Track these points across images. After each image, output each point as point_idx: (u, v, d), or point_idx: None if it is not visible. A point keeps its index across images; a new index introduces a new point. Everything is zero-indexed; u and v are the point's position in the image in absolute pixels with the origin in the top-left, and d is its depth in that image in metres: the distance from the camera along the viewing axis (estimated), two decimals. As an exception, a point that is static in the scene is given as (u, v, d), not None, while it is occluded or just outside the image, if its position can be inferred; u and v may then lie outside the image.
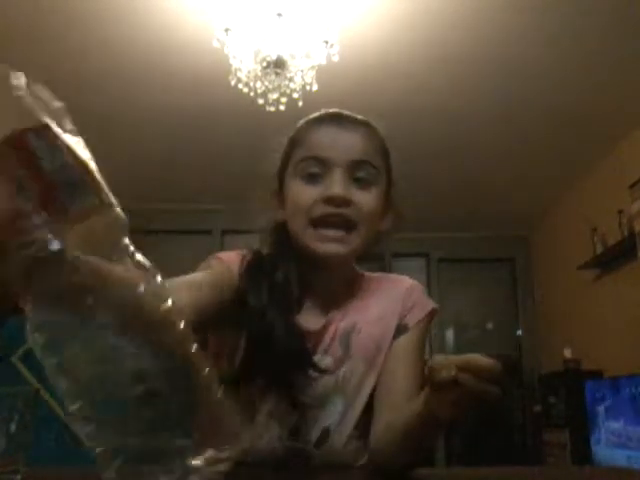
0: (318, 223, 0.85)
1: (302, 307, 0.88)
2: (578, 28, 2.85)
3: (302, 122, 0.94)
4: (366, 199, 0.87)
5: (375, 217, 0.89)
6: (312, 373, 0.84)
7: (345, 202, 0.84)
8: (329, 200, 0.84)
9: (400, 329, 0.92)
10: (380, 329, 0.91)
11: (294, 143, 0.92)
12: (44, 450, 1.04)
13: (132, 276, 0.42)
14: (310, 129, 0.91)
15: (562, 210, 4.99)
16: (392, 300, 0.95)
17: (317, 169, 0.86)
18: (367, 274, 1.01)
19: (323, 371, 0.86)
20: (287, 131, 0.95)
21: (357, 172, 0.87)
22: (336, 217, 0.84)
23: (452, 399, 0.61)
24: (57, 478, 0.82)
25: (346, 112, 0.94)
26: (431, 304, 0.96)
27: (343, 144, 0.88)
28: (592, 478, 0.89)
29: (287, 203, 0.89)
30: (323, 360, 0.87)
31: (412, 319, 0.93)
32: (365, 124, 0.93)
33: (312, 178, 0.87)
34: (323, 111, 0.93)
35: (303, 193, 0.86)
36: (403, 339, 0.91)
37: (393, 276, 1.02)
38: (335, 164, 0.86)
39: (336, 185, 0.84)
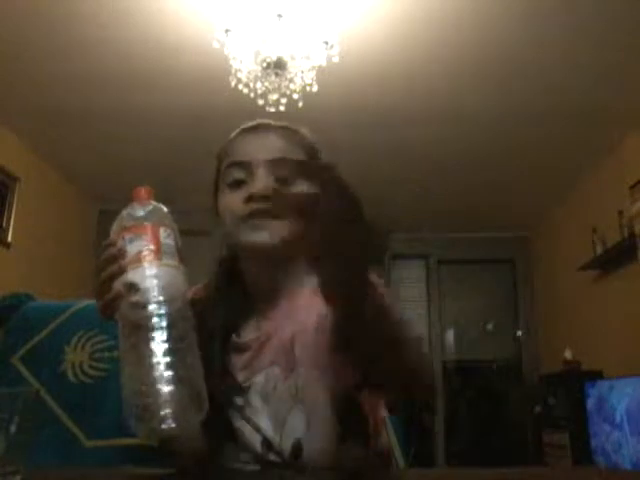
0: (246, 219, 0.87)
1: (239, 328, 0.90)
2: (578, 28, 2.85)
3: (226, 140, 0.97)
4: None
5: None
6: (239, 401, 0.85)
7: (265, 198, 0.85)
8: (251, 198, 0.86)
9: None
10: (324, 338, 0.85)
11: (220, 159, 0.95)
12: (44, 451, 1.04)
13: None
14: (232, 141, 0.94)
15: (562, 211, 4.99)
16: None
17: (240, 174, 0.89)
18: None
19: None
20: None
21: (279, 170, 0.88)
22: (260, 213, 0.86)
23: None
24: (57, 479, 0.82)
25: (266, 121, 0.96)
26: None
27: (261, 145, 0.90)
28: (592, 479, 0.89)
29: (221, 215, 0.92)
30: (272, 372, 0.85)
31: None
32: (283, 127, 0.95)
33: (237, 184, 0.89)
34: (244, 125, 0.96)
35: (230, 199, 0.89)
36: None
37: None
38: (256, 165, 0.88)
39: (257, 183, 0.87)
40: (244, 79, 2.76)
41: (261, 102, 2.82)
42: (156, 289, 0.68)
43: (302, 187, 0.87)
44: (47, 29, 2.88)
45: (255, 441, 0.84)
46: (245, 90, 2.79)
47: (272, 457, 0.83)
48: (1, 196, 3.81)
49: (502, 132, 3.88)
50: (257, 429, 0.84)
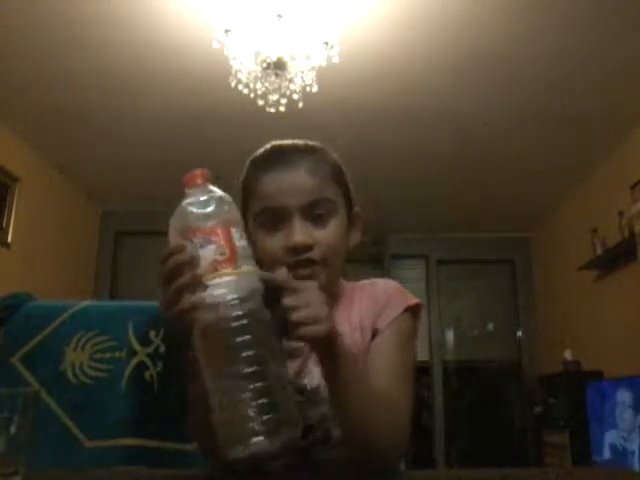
0: (291, 270, 0.88)
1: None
2: (578, 29, 2.86)
3: (249, 165, 0.97)
4: (327, 235, 0.91)
5: (340, 244, 0.94)
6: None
7: (306, 247, 0.89)
8: (292, 250, 0.88)
9: (375, 333, 0.94)
10: (360, 335, 0.95)
11: (247, 192, 0.96)
12: (44, 451, 1.04)
13: None
14: (258, 177, 0.94)
15: (562, 211, 4.99)
16: (367, 305, 0.97)
17: (275, 218, 0.91)
18: (350, 284, 1.03)
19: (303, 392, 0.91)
20: (240, 174, 0.99)
21: (313, 211, 0.91)
22: (305, 262, 0.89)
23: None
24: (57, 479, 0.82)
25: (287, 144, 0.96)
26: (404, 303, 0.95)
27: (293, 188, 0.91)
28: (592, 479, 0.89)
29: (256, 250, 0.93)
30: (317, 372, 0.91)
31: (383, 322, 0.94)
32: (310, 152, 0.95)
33: (272, 227, 0.91)
34: (268, 146, 0.97)
35: (268, 244, 0.91)
36: (375, 341, 0.94)
37: (370, 281, 1.04)
38: (290, 211, 0.90)
39: (295, 233, 0.89)
40: (244, 79, 2.76)
41: (261, 102, 2.82)
42: (238, 305, 0.64)
43: (334, 222, 0.93)
44: (48, 29, 2.88)
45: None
46: (245, 90, 2.79)
47: (301, 443, 0.89)
48: (1, 196, 3.81)
49: (502, 132, 3.88)
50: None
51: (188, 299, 0.65)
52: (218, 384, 0.64)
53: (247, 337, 0.63)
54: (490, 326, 5.82)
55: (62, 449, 1.07)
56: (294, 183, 0.91)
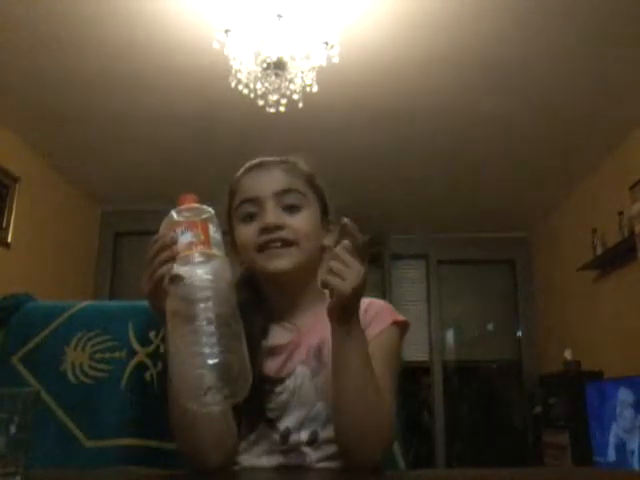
0: (262, 249, 0.97)
1: (267, 333, 1.00)
2: (579, 28, 2.86)
3: (234, 177, 1.07)
4: (297, 221, 0.99)
5: (312, 234, 1.00)
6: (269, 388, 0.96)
7: (277, 227, 0.97)
8: (264, 229, 0.97)
9: None
10: None
11: (231, 196, 1.05)
12: (44, 451, 1.04)
13: None
14: (239, 179, 1.04)
15: (562, 211, 4.99)
16: None
17: (251, 209, 0.99)
18: None
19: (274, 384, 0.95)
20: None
21: (284, 200, 0.99)
22: (275, 241, 0.97)
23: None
24: (57, 479, 0.82)
25: (267, 158, 1.06)
26: (392, 317, 0.99)
27: (267, 181, 1.01)
28: (592, 479, 0.89)
29: (239, 247, 1.02)
30: (301, 371, 0.96)
31: (369, 334, 0.96)
32: (284, 162, 1.05)
33: (249, 217, 1.00)
34: (248, 163, 1.07)
35: (245, 232, 0.99)
36: None
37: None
38: (264, 199, 0.99)
39: (267, 215, 0.97)
40: (244, 80, 2.76)
41: (261, 102, 2.82)
42: (204, 279, 0.75)
43: (305, 212, 1.00)
44: (48, 29, 2.88)
45: (276, 431, 0.93)
46: (245, 91, 2.79)
47: (289, 446, 0.92)
48: (1, 196, 3.82)
49: (502, 132, 3.88)
50: (279, 420, 0.94)
51: (164, 269, 0.76)
52: (179, 345, 0.74)
53: (209, 310, 0.73)
54: (490, 326, 5.82)
55: (62, 449, 1.07)
56: (268, 177, 1.01)
